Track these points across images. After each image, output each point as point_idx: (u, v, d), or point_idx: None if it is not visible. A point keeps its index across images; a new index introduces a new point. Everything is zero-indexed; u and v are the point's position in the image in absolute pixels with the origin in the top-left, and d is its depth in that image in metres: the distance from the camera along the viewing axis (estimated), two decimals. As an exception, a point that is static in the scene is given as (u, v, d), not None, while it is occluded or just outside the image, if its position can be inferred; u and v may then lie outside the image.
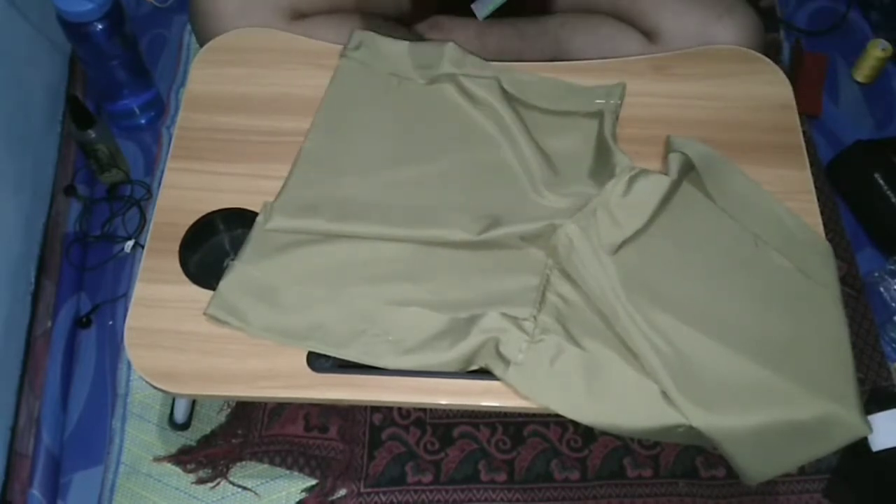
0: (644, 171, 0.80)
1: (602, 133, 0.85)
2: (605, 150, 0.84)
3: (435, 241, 0.79)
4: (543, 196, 0.82)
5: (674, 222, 0.81)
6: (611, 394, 0.72)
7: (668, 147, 0.84)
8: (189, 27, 1.23)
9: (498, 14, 0.93)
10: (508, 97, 0.88)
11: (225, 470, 0.94)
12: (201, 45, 0.94)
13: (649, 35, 0.95)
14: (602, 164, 0.84)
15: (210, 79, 0.90)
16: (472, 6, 0.94)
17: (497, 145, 0.86)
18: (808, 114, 1.22)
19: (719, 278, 0.78)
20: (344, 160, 0.84)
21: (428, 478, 0.94)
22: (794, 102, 0.90)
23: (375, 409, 0.98)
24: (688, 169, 0.83)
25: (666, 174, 0.81)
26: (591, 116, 0.88)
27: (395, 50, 0.91)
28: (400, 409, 0.98)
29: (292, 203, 0.81)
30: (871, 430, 0.70)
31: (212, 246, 0.82)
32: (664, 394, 0.71)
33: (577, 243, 0.76)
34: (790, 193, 0.83)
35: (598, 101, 0.88)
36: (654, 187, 0.79)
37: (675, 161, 0.82)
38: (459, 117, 0.88)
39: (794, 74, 1.25)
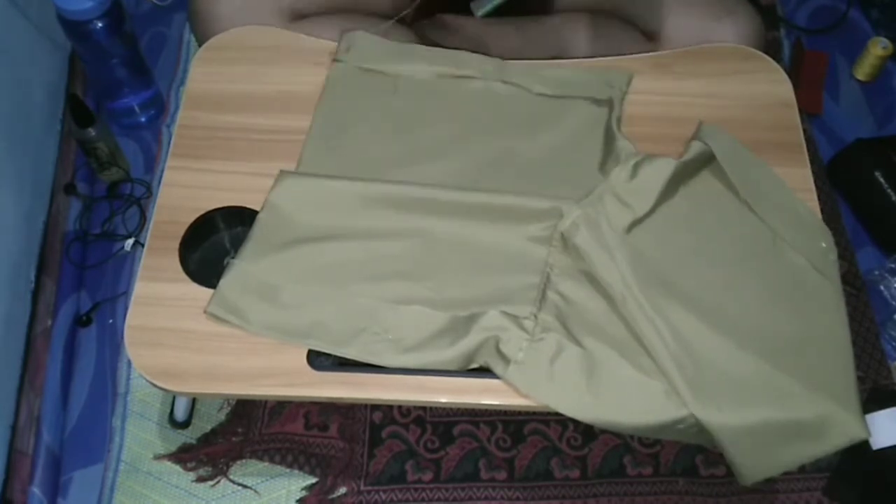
0: (648, 157, 0.80)
1: (610, 122, 0.86)
2: (612, 139, 0.84)
3: (441, 202, 0.80)
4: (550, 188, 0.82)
5: (691, 212, 0.81)
6: (610, 392, 0.72)
7: (695, 133, 0.85)
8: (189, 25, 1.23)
9: (498, 13, 0.93)
10: (510, 86, 0.88)
11: (225, 468, 0.94)
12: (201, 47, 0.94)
13: (650, 35, 0.95)
14: (608, 153, 0.84)
15: (210, 77, 0.90)
16: (471, 5, 0.94)
17: (502, 139, 0.86)
18: (809, 112, 1.22)
19: (731, 271, 0.78)
20: (342, 167, 0.84)
21: (428, 476, 0.94)
22: (794, 100, 0.90)
23: (375, 407, 0.98)
24: (706, 158, 0.83)
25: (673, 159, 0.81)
26: (597, 104, 0.88)
27: (386, 49, 0.91)
28: (400, 407, 0.98)
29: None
30: (869, 433, 0.70)
31: (212, 244, 0.82)
32: (664, 391, 0.71)
33: (585, 228, 0.76)
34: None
35: (607, 88, 0.88)
36: (659, 170, 0.80)
37: (693, 148, 0.82)
38: (460, 115, 0.88)
39: (795, 73, 1.25)
